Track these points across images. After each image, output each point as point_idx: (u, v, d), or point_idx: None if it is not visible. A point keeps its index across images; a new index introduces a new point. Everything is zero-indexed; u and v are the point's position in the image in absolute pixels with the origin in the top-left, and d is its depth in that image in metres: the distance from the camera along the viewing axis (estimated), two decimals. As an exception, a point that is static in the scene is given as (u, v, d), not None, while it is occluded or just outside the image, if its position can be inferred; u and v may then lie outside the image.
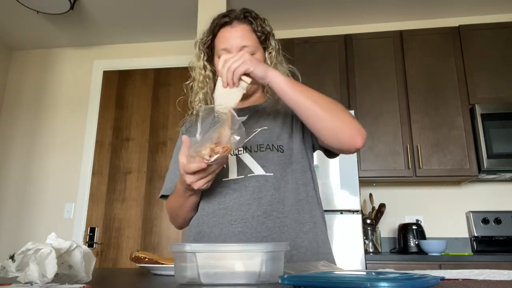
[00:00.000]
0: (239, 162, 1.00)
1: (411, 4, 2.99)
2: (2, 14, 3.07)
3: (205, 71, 1.12)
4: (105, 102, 3.41)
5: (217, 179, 0.97)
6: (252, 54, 1.03)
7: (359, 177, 2.36)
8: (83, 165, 3.26)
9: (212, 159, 0.77)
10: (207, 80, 1.12)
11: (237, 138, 0.78)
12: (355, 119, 0.95)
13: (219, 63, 0.92)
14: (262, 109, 1.09)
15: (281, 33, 3.24)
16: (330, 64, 2.89)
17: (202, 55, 1.11)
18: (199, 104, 1.13)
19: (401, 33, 2.90)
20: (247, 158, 0.99)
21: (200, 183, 0.85)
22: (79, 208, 3.16)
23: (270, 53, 1.07)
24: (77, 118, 3.39)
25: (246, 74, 0.89)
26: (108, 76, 3.47)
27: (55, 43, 3.53)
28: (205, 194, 1.00)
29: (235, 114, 0.82)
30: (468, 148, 2.60)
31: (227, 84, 0.89)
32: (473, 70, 2.74)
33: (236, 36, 1.02)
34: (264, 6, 3.00)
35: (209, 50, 1.11)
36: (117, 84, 3.45)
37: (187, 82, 1.16)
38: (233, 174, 0.98)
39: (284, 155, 1.00)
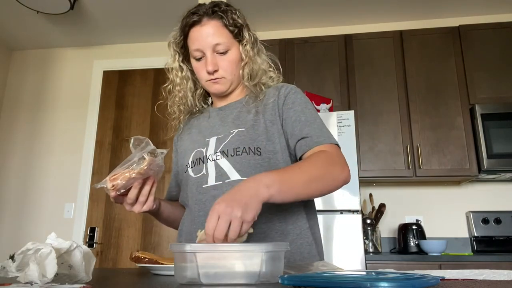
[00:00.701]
0: (217, 167, 0.97)
1: (411, 4, 2.99)
2: (2, 14, 3.07)
3: (182, 72, 1.09)
4: (105, 102, 3.41)
5: (198, 186, 0.99)
6: (226, 50, 1.00)
7: (359, 177, 2.36)
8: (83, 165, 3.26)
9: (109, 188, 0.81)
10: (185, 81, 1.10)
11: (140, 167, 0.83)
12: (337, 161, 0.90)
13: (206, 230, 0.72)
14: (241, 106, 1.05)
15: (281, 33, 3.24)
16: (330, 64, 2.89)
17: (177, 56, 1.09)
18: (179, 107, 1.12)
19: (401, 33, 2.90)
20: (224, 163, 0.96)
21: (130, 208, 0.89)
22: (79, 208, 3.16)
23: (244, 46, 1.02)
24: (77, 118, 3.39)
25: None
26: (108, 76, 3.47)
27: (55, 43, 3.53)
28: (189, 201, 1.01)
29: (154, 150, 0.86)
30: (468, 148, 2.60)
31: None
32: (473, 70, 2.74)
33: (207, 35, 0.98)
34: (264, 6, 3.00)
35: (184, 50, 1.07)
36: (117, 84, 3.45)
37: (165, 85, 1.12)
38: (211, 180, 0.97)
39: (262, 158, 0.95)
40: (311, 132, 0.96)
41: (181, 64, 1.09)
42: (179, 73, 1.09)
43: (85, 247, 0.63)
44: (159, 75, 3.38)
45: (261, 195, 0.74)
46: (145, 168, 0.82)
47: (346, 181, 0.90)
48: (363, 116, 2.75)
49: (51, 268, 0.54)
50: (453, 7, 3.03)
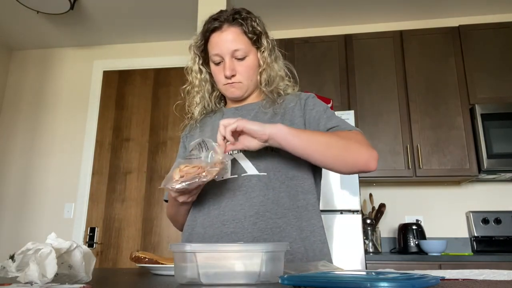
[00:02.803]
0: (234, 162, 0.99)
1: (411, 4, 2.99)
2: (2, 14, 3.07)
3: (201, 74, 1.12)
4: (105, 102, 3.41)
5: (213, 180, 0.98)
6: (244, 56, 1.03)
7: (359, 177, 2.36)
8: (83, 165, 3.26)
9: (177, 186, 0.80)
10: (204, 83, 1.13)
11: (216, 169, 0.81)
12: (365, 143, 0.94)
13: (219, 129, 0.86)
14: (258, 107, 1.08)
15: (281, 33, 3.24)
16: (330, 64, 2.89)
17: (197, 58, 1.11)
18: (196, 108, 1.15)
19: (401, 33, 2.90)
20: (241, 158, 0.98)
21: (182, 198, 0.89)
22: (79, 208, 3.16)
23: (262, 52, 1.05)
24: (77, 118, 3.39)
25: (240, 134, 0.87)
26: (108, 76, 3.47)
27: (55, 43, 3.53)
28: (200, 194, 0.98)
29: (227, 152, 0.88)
30: (468, 148, 2.60)
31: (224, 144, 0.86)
32: (473, 70, 2.74)
33: (226, 41, 1.02)
34: (264, 6, 3.00)
35: (204, 53, 1.10)
36: (117, 84, 3.45)
37: (184, 86, 1.16)
38: (227, 174, 0.98)
39: (279, 155, 0.98)
40: (338, 123, 1.00)
41: (201, 66, 1.12)
42: (198, 75, 1.12)
43: (85, 247, 0.63)
44: (159, 75, 3.38)
45: (266, 127, 0.84)
46: (216, 172, 0.82)
47: (368, 162, 0.92)
48: (363, 116, 2.75)
49: (51, 268, 0.54)
50: (453, 7, 3.03)
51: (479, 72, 2.73)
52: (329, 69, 2.88)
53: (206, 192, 0.98)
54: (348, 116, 2.39)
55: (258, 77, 1.07)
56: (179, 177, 0.80)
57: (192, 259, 0.57)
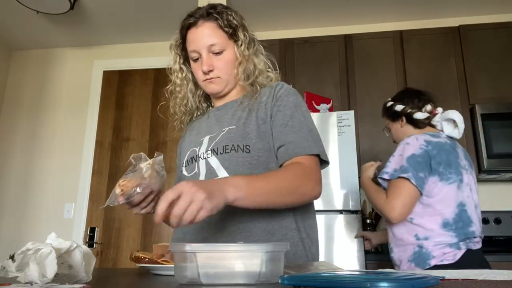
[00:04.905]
0: (207, 165, 0.98)
1: (411, 4, 2.99)
2: (2, 14, 3.07)
3: (182, 73, 1.12)
4: (105, 102, 3.41)
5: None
6: (222, 51, 1.02)
7: (359, 177, 2.36)
8: (83, 165, 3.26)
9: (115, 203, 0.83)
10: (185, 82, 1.13)
11: (153, 181, 0.86)
12: (312, 176, 0.90)
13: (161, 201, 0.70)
14: (237, 105, 1.06)
15: (281, 33, 3.24)
16: (330, 64, 2.89)
17: (177, 58, 1.12)
18: (180, 108, 1.14)
19: (401, 33, 2.90)
20: (213, 161, 0.98)
21: (136, 210, 0.91)
22: (79, 208, 3.16)
23: (239, 46, 1.03)
24: (77, 118, 3.39)
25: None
26: (108, 76, 3.47)
27: (55, 43, 3.53)
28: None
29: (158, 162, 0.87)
30: (468, 148, 2.60)
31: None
32: (473, 70, 2.74)
33: (202, 36, 1.01)
34: (264, 6, 3.00)
35: (184, 52, 1.10)
36: (117, 84, 3.45)
37: (167, 87, 1.16)
38: (202, 178, 0.98)
39: (251, 156, 0.95)
40: (295, 139, 0.95)
41: (182, 66, 1.12)
42: (179, 75, 1.12)
43: (85, 247, 0.63)
44: (159, 75, 3.38)
45: (227, 194, 0.75)
46: (145, 181, 0.85)
47: (316, 197, 0.93)
48: (363, 116, 2.75)
49: (51, 268, 0.54)
50: (453, 7, 3.03)
51: (479, 72, 2.73)
52: (329, 69, 2.88)
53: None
54: (348, 116, 2.39)
55: (235, 70, 1.05)
56: (119, 191, 0.83)
57: (192, 259, 0.57)
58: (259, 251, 0.58)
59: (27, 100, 3.50)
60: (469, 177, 1.53)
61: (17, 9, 2.97)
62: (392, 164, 1.51)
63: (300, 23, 3.25)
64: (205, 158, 0.99)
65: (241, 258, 0.58)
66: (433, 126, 1.64)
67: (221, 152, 0.97)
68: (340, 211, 2.26)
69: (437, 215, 1.44)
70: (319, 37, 2.97)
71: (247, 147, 0.96)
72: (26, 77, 3.56)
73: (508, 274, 0.63)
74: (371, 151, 2.69)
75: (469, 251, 1.43)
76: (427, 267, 1.41)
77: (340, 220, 2.23)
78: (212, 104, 1.18)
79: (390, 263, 1.62)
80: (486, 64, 2.74)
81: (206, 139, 1.04)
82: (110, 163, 3.26)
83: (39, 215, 3.21)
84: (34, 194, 3.27)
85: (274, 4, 2.99)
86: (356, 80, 2.84)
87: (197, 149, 1.04)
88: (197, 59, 1.04)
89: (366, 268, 2.18)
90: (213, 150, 0.99)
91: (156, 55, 3.41)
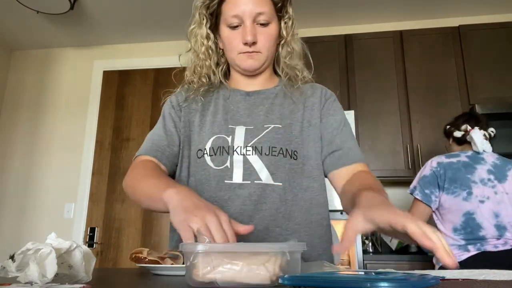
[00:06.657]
0: (246, 163, 0.86)
1: (411, 4, 2.99)
2: (2, 14, 3.07)
3: (208, 41, 0.93)
4: (105, 102, 3.41)
5: (219, 180, 0.87)
6: (268, 23, 0.89)
7: (359, 177, 2.36)
8: (83, 165, 3.26)
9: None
10: (210, 52, 0.94)
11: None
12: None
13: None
14: (273, 96, 0.94)
15: (281, 33, 3.23)
16: (330, 64, 2.89)
17: (204, 21, 0.92)
18: (201, 78, 0.95)
19: (401, 33, 2.90)
20: (255, 161, 0.86)
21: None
22: (79, 208, 3.16)
23: (285, 22, 0.92)
24: (77, 118, 3.39)
25: None
26: (108, 76, 3.47)
27: (55, 43, 3.53)
28: (206, 197, 0.84)
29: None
30: (468, 148, 2.60)
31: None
32: (473, 70, 2.74)
33: (249, 1, 0.86)
34: (264, 6, 2.99)
35: (213, 17, 0.93)
36: (117, 84, 3.45)
37: (186, 51, 0.97)
38: (237, 177, 0.86)
39: (297, 163, 0.87)
40: (352, 145, 0.91)
41: (209, 31, 0.93)
42: (205, 42, 0.93)
43: (85, 247, 0.63)
44: (159, 75, 3.38)
45: None
46: None
47: None
48: (363, 116, 2.75)
49: (51, 268, 0.54)
50: (453, 7, 3.03)
51: (479, 72, 2.73)
52: (329, 69, 2.88)
53: (208, 193, 0.87)
54: (348, 116, 2.39)
55: (280, 49, 0.93)
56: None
57: (205, 260, 0.55)
58: (276, 250, 0.55)
59: (27, 100, 3.50)
60: (484, 189, 1.70)
61: (17, 9, 2.97)
62: (413, 182, 1.84)
63: (300, 23, 3.23)
64: (243, 154, 0.87)
65: (256, 258, 0.55)
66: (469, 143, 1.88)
67: (267, 153, 0.86)
68: (340, 211, 2.26)
69: (448, 222, 1.72)
70: (319, 37, 2.97)
71: (295, 153, 0.88)
72: (26, 77, 3.56)
73: (508, 274, 0.63)
74: (371, 151, 2.69)
75: (484, 253, 1.59)
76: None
77: (340, 220, 2.23)
78: (224, 82, 1.00)
79: (390, 263, 1.64)
80: (486, 64, 2.74)
81: (240, 130, 0.90)
82: (110, 163, 3.26)
83: (39, 215, 3.21)
84: (34, 194, 3.27)
85: (274, 4, 2.99)
86: (356, 80, 2.84)
87: (228, 139, 0.89)
88: (236, 26, 0.88)
89: (366, 268, 2.17)
90: (255, 148, 0.87)
91: (156, 55, 3.40)
